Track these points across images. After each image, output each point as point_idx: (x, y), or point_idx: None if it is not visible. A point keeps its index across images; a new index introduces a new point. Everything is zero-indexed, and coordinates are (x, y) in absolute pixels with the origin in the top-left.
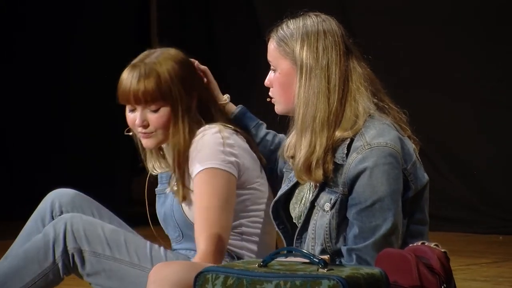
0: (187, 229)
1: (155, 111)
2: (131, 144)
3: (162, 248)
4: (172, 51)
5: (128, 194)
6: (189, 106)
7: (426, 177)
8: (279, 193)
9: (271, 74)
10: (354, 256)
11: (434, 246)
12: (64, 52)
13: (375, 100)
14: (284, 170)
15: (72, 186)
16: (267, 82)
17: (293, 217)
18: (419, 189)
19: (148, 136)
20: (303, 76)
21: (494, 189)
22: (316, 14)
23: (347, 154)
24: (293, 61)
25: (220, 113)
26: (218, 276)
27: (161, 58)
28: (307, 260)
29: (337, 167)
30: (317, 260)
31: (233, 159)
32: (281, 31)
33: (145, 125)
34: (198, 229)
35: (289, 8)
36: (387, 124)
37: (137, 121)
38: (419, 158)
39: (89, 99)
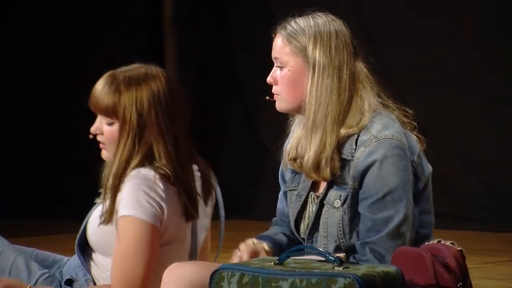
0: (82, 243)
1: (110, 124)
2: None
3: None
4: (156, 79)
5: None
6: (139, 137)
7: (430, 167)
8: (294, 212)
9: (275, 71)
10: (367, 250)
11: (450, 245)
12: (65, 30)
13: (379, 99)
14: (287, 190)
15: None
16: (270, 79)
17: (300, 232)
18: (427, 180)
19: (102, 147)
20: (316, 74)
21: (511, 189)
22: (324, 13)
23: (355, 149)
24: (305, 58)
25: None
26: (234, 274)
27: (136, 82)
28: (323, 258)
29: (345, 163)
30: (332, 258)
31: (158, 209)
32: (291, 28)
33: (99, 134)
34: (114, 275)
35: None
36: (391, 118)
37: (92, 128)
38: (422, 150)
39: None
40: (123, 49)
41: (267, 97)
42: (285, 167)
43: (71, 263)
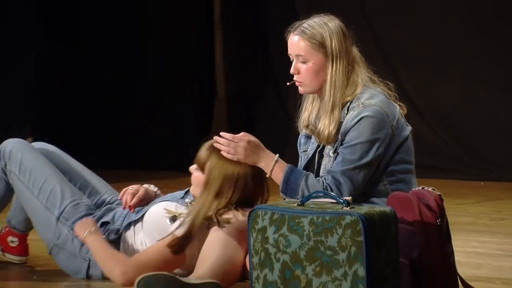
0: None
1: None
2: (204, 107)
3: (71, 204)
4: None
5: None
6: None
7: (408, 128)
8: (304, 165)
9: (298, 64)
10: (330, 176)
11: (432, 190)
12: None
13: (368, 75)
14: (301, 151)
15: (140, 149)
16: (294, 71)
17: None
18: (404, 138)
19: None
20: (334, 64)
21: (478, 145)
22: (325, 14)
23: (347, 114)
24: (324, 53)
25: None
26: (266, 212)
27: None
28: (335, 201)
29: (339, 125)
30: (342, 201)
31: None
32: (307, 30)
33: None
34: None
35: None
36: (378, 91)
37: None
38: (402, 115)
39: (163, 63)
40: (181, 38)
41: (288, 83)
42: (301, 131)
43: (120, 211)
